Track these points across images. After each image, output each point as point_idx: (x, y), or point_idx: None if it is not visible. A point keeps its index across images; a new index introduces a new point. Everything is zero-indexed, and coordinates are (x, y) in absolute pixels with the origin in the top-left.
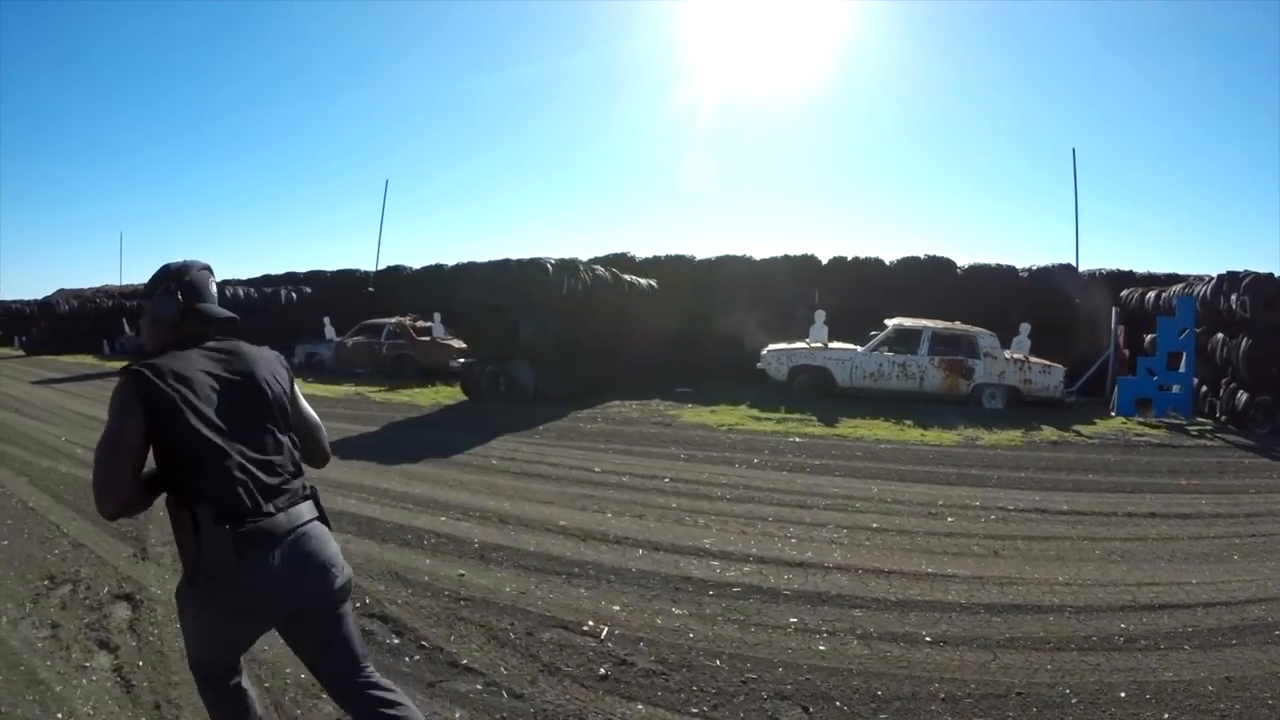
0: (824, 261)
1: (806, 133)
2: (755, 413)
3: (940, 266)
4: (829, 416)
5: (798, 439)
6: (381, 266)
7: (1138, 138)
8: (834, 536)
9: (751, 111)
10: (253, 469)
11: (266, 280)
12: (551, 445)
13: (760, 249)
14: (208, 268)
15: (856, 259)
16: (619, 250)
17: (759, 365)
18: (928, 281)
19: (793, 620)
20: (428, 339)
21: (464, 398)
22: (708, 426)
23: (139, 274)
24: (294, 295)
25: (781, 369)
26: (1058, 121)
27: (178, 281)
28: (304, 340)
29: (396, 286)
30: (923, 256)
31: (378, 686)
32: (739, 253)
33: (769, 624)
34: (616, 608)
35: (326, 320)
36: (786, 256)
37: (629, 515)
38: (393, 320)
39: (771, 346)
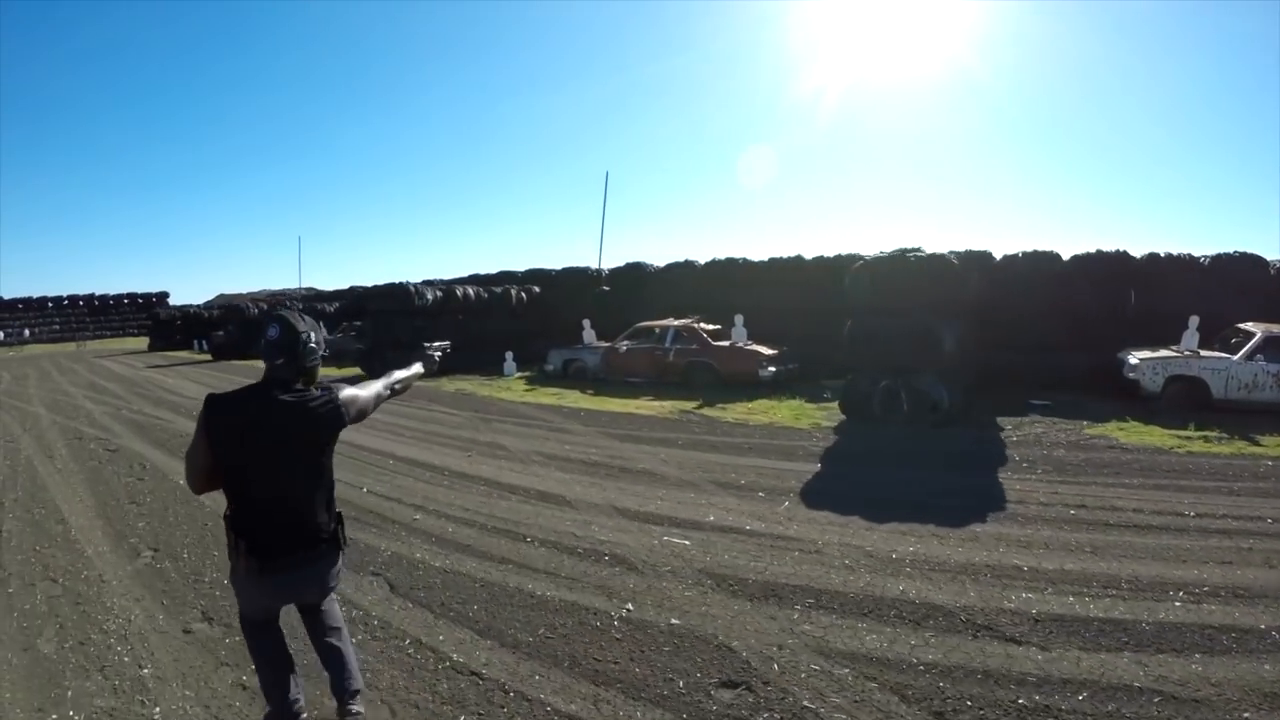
0: (1138, 257)
1: (938, 123)
2: (1186, 432)
3: (1252, 264)
4: (1239, 432)
5: None
6: (619, 263)
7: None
8: None
9: (878, 103)
10: (277, 511)
11: (475, 280)
12: (1088, 484)
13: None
14: (278, 317)
15: (1170, 255)
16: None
17: (1129, 374)
18: (1238, 280)
19: None
20: (727, 344)
21: (817, 415)
22: (1192, 453)
23: (318, 278)
24: (524, 295)
25: (1156, 379)
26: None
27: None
28: (557, 345)
29: (635, 285)
30: (1234, 253)
31: (335, 639)
32: (1045, 248)
33: None
34: None
35: (586, 323)
36: (1100, 253)
37: None
38: (678, 322)
39: (1141, 354)
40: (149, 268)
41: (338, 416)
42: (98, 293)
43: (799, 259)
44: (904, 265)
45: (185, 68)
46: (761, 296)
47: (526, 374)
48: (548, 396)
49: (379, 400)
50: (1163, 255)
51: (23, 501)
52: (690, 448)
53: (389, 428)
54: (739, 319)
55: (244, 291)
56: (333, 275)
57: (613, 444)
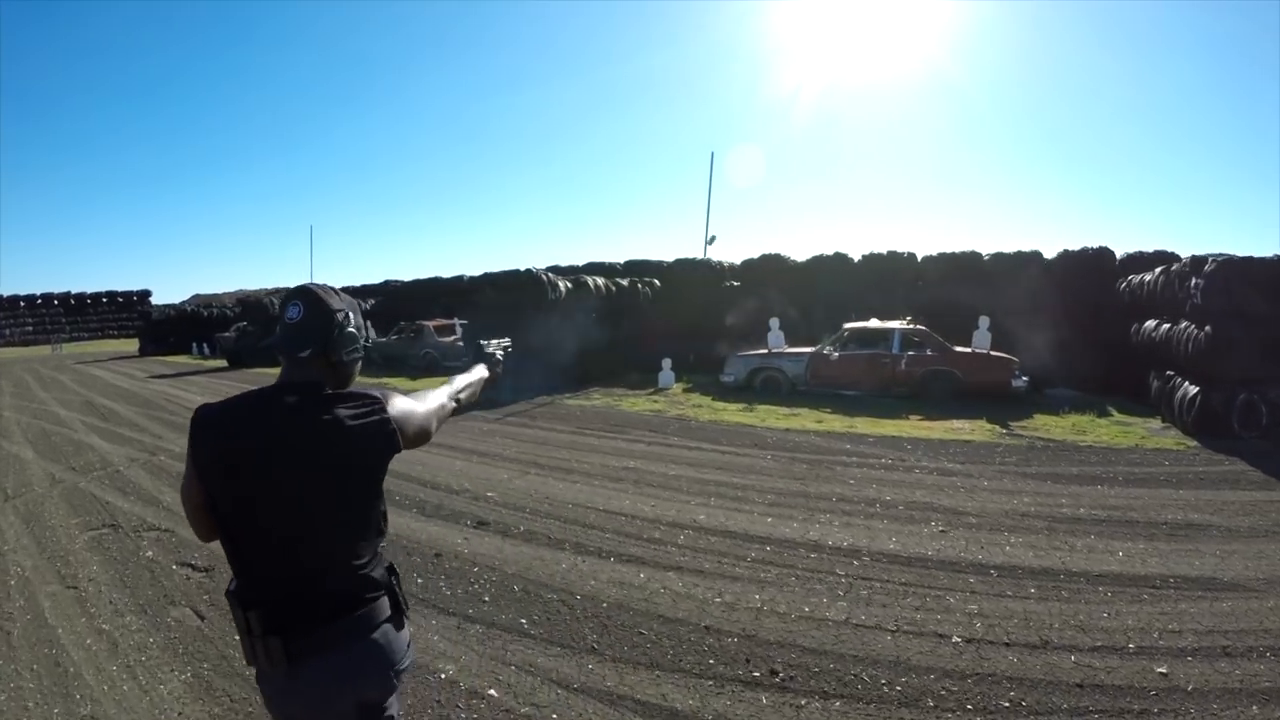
0: None
1: (912, 124)
2: None
3: None
4: None
5: None
6: (754, 255)
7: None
8: None
9: (851, 103)
10: (308, 569)
11: (554, 272)
12: None
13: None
14: (301, 291)
15: None
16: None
17: None
18: None
19: None
20: (968, 350)
21: (1138, 431)
22: None
23: (330, 272)
24: (649, 290)
25: None
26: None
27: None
28: (741, 351)
29: (771, 280)
30: None
31: None
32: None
33: None
34: None
35: (774, 323)
36: None
37: None
38: (900, 324)
39: None
40: (123, 268)
41: (391, 438)
42: (74, 291)
43: (974, 254)
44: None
45: (162, 66)
46: (931, 295)
47: (684, 384)
48: (785, 418)
49: (443, 415)
50: None
51: None
52: (1154, 483)
53: (708, 488)
54: (984, 321)
55: (220, 292)
56: (321, 274)
57: (1074, 490)
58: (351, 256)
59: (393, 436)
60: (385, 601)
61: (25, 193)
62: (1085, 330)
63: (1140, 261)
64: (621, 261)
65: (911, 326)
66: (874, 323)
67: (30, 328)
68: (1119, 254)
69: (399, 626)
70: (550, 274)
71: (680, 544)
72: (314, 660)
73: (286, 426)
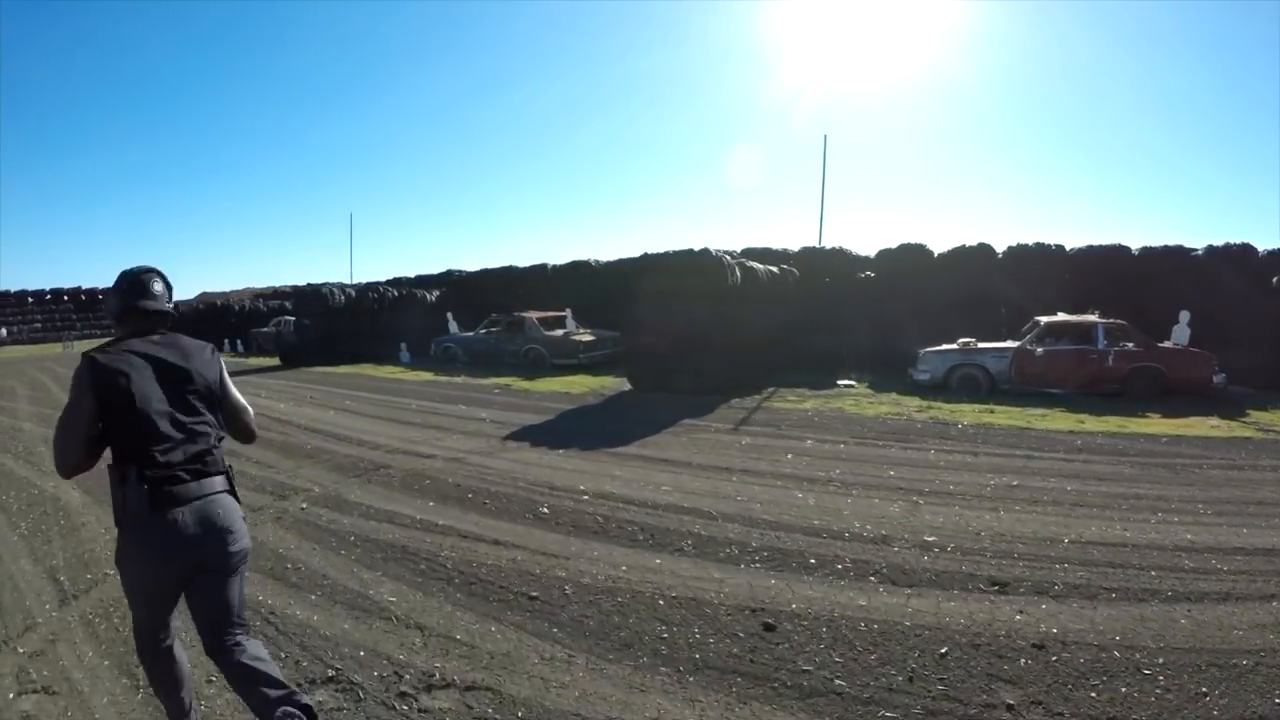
0: None
1: (920, 125)
2: None
3: None
4: None
5: None
6: (892, 245)
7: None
8: None
9: (856, 105)
10: (177, 440)
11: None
12: None
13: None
14: (153, 270)
15: None
16: None
17: None
18: None
19: None
20: (1170, 345)
21: None
22: None
23: (298, 275)
24: (795, 280)
25: None
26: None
27: (122, 283)
28: (934, 348)
29: (911, 273)
30: None
31: (241, 647)
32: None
33: None
34: None
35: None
36: None
37: None
38: (1098, 318)
39: None
40: (129, 263)
41: (212, 350)
42: (84, 286)
43: (1122, 248)
44: None
45: (172, 60)
46: (1078, 291)
47: (862, 382)
48: (1044, 419)
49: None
50: None
51: None
52: None
53: (1127, 502)
54: (1184, 316)
55: (228, 290)
56: (309, 271)
57: None
58: (373, 249)
59: (216, 355)
60: (225, 478)
61: (33, 188)
62: (1234, 325)
63: None
64: (739, 249)
65: (1111, 321)
66: (1062, 316)
67: (39, 324)
68: (1260, 250)
69: (236, 499)
70: (728, 256)
71: (1233, 570)
72: (171, 510)
73: (158, 351)
